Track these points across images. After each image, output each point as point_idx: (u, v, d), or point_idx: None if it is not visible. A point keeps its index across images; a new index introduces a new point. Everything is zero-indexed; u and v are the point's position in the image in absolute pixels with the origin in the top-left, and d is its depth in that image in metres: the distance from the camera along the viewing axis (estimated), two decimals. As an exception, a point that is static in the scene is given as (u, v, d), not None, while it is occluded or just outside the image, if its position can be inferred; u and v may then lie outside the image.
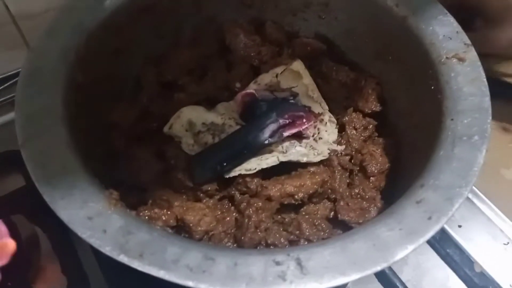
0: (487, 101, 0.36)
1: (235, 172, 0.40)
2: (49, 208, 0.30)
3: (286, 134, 0.41)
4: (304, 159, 0.41)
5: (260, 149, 0.41)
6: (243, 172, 0.40)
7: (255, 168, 0.40)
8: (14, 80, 0.56)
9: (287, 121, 0.41)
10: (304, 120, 0.42)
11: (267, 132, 0.40)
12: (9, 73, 0.57)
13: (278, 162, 0.41)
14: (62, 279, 0.45)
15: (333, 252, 0.28)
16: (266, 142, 0.40)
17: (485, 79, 0.37)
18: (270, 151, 0.41)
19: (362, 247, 0.29)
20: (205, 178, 0.40)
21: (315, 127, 0.44)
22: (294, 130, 0.42)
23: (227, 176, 0.40)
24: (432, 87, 0.39)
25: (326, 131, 0.45)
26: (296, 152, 0.41)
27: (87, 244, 0.47)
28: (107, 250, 0.28)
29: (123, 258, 0.27)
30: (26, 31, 0.56)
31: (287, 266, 0.28)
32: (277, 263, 0.28)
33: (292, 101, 0.43)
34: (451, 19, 0.41)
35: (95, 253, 0.48)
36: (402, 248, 0.29)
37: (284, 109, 0.41)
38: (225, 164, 0.40)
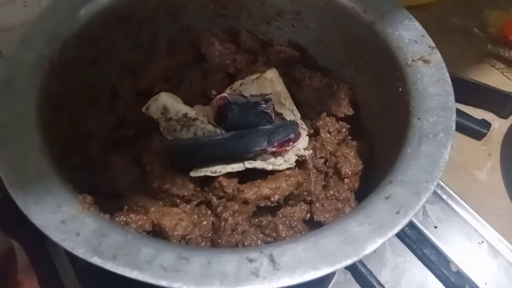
0: (451, 100, 0.37)
1: (201, 173, 0.41)
2: (25, 221, 0.30)
3: (268, 150, 0.42)
4: (270, 167, 0.42)
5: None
6: (209, 173, 0.40)
7: (220, 171, 0.41)
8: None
9: (274, 149, 0.42)
10: (291, 143, 0.42)
11: (251, 154, 0.42)
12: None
13: (243, 169, 0.41)
14: (39, 292, 0.44)
15: (305, 247, 0.29)
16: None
17: (449, 80, 0.38)
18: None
19: (333, 242, 0.29)
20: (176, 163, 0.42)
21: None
22: (278, 150, 0.42)
23: (193, 175, 0.41)
24: (400, 89, 0.40)
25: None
26: (262, 159, 0.42)
27: (64, 256, 0.48)
28: (80, 252, 0.28)
29: (96, 260, 0.27)
30: (1, 43, 0.56)
31: (260, 262, 0.28)
32: (250, 260, 0.28)
33: (264, 105, 0.43)
34: (416, 24, 0.42)
35: (73, 266, 0.47)
36: (372, 241, 0.29)
37: (276, 135, 0.42)
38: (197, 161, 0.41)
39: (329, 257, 0.28)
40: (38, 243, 0.48)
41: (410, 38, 0.41)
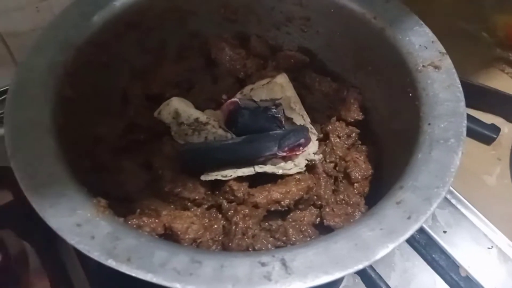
0: (462, 106, 0.37)
1: (211, 177, 0.41)
2: (37, 223, 0.30)
3: (279, 155, 0.42)
4: (280, 171, 0.42)
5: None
6: (219, 177, 0.41)
7: (231, 175, 0.41)
8: (2, 97, 0.56)
9: (285, 154, 0.42)
10: (301, 148, 0.43)
11: (262, 158, 0.42)
12: (-3, 90, 0.57)
13: (254, 173, 0.42)
14: (51, 294, 0.45)
15: (317, 252, 0.29)
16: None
17: (460, 85, 0.38)
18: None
19: (344, 247, 0.29)
20: (186, 167, 0.42)
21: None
22: (288, 154, 0.43)
23: (204, 179, 0.41)
24: (410, 94, 0.40)
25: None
26: (272, 163, 0.42)
27: (76, 259, 0.48)
28: (95, 255, 0.28)
29: (111, 263, 0.28)
30: (14, 48, 0.57)
31: (272, 266, 0.28)
32: (263, 264, 0.28)
33: (274, 110, 0.44)
34: (426, 29, 0.43)
35: (84, 269, 0.48)
36: (383, 246, 0.29)
37: (286, 139, 0.42)
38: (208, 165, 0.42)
39: (340, 262, 0.29)
40: (50, 246, 0.48)
41: (421, 44, 0.41)
